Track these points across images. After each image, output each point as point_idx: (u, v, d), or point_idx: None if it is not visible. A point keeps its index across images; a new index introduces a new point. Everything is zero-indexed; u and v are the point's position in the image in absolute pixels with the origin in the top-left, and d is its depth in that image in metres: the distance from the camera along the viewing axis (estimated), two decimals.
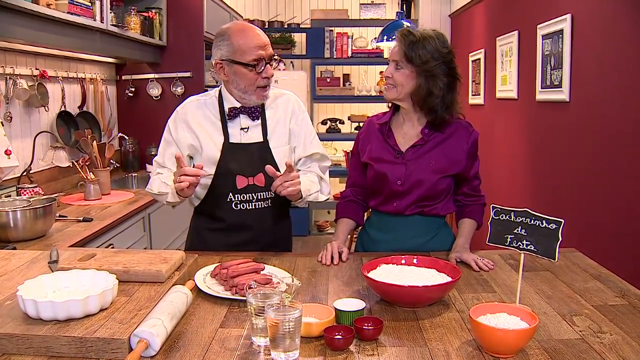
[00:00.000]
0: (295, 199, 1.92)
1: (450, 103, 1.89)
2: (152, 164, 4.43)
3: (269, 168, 1.81)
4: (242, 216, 2.00)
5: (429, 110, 1.89)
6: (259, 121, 2.03)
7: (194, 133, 2.01)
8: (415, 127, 1.96)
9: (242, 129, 2.01)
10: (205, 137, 2.00)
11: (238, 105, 2.01)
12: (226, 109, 2.01)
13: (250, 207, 2.00)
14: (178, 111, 2.06)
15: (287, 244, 2.18)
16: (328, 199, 2.15)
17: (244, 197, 1.99)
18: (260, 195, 2.00)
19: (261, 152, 2.00)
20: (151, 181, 2.05)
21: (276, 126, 2.05)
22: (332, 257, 1.84)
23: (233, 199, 1.99)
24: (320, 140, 2.18)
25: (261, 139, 2.02)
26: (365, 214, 2.13)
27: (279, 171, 1.92)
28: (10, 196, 2.60)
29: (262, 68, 1.92)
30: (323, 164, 2.15)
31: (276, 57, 2.00)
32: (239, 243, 2.01)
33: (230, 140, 2.00)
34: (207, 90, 2.18)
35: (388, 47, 4.85)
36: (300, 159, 2.10)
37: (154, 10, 4.05)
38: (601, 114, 2.65)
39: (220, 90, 2.05)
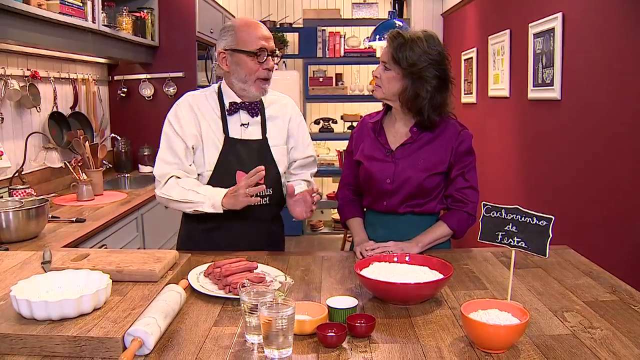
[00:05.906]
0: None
1: (439, 105, 1.89)
2: (145, 165, 4.39)
3: (290, 186, 1.86)
4: (238, 211, 1.99)
5: (417, 112, 1.90)
6: (258, 118, 2.05)
7: (198, 123, 2.00)
8: (406, 125, 1.96)
9: (242, 124, 2.03)
10: (207, 129, 2.00)
11: (238, 100, 2.02)
12: (226, 104, 2.02)
13: None
14: (179, 103, 2.04)
15: (281, 242, 2.18)
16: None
17: None
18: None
19: (260, 150, 2.02)
20: (167, 186, 1.95)
21: (275, 125, 2.08)
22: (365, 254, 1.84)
23: None
24: (313, 140, 2.20)
25: (260, 137, 2.04)
26: None
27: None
28: (2, 197, 2.60)
29: (265, 58, 1.94)
30: (313, 170, 2.20)
31: (278, 53, 2.00)
32: (232, 240, 2.01)
33: (231, 135, 2.01)
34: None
35: (380, 46, 4.85)
36: (295, 161, 2.12)
37: (145, 11, 4.04)
38: (592, 111, 2.67)
39: (219, 86, 2.06)
